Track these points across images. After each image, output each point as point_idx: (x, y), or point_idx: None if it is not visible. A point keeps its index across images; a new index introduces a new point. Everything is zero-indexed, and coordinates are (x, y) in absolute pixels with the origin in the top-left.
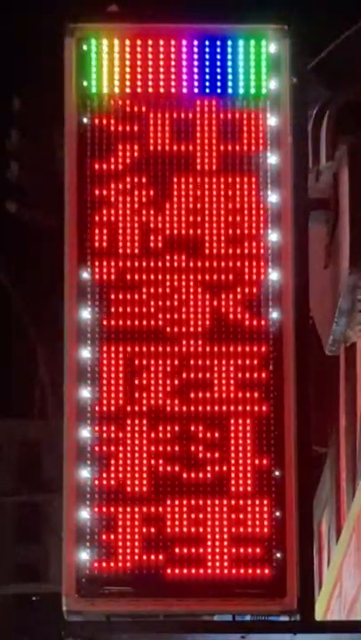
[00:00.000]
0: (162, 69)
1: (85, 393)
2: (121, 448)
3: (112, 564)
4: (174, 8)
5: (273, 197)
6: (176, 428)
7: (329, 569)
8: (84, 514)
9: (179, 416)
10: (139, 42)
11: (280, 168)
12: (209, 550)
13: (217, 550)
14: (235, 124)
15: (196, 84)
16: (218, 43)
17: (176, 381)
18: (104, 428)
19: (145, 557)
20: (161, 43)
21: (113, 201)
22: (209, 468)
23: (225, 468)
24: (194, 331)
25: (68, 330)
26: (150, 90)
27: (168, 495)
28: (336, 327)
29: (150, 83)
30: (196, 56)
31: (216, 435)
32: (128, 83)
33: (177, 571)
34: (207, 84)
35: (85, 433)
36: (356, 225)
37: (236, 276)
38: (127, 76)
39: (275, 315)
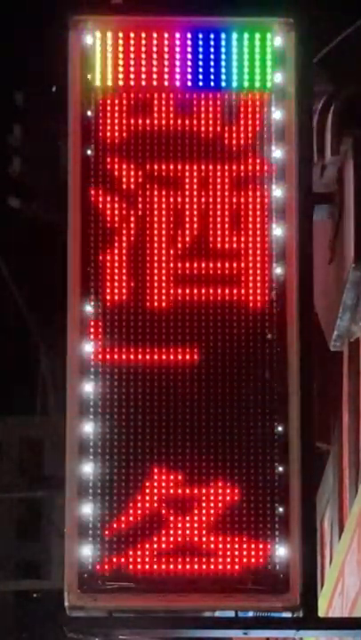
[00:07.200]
0: (166, 62)
1: (88, 387)
2: (124, 443)
3: (114, 560)
4: (178, 1)
5: (277, 192)
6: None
7: (331, 566)
8: (87, 509)
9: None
10: (143, 34)
11: (285, 162)
12: (212, 546)
13: (220, 547)
14: (239, 116)
15: (200, 77)
16: (223, 36)
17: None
18: (107, 422)
19: (147, 553)
20: (165, 36)
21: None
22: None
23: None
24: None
25: (71, 325)
26: (155, 83)
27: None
28: (340, 322)
29: (155, 76)
30: (200, 49)
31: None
32: (132, 76)
33: (180, 566)
34: (211, 77)
35: (88, 427)
36: None
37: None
38: (131, 69)
39: (279, 307)
